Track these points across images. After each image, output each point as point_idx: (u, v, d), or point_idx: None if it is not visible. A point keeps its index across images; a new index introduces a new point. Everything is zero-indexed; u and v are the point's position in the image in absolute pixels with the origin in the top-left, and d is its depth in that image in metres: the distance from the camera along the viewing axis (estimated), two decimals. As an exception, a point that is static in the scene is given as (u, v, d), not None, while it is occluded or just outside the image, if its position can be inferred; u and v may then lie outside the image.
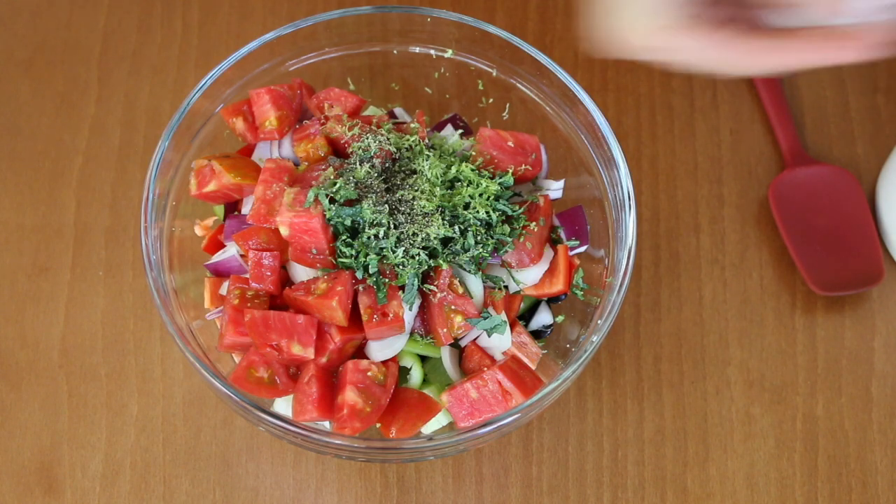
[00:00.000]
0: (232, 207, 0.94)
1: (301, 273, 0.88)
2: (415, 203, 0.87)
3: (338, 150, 0.92)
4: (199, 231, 0.95)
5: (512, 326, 0.90)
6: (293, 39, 0.94)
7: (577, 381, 0.98)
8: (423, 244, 0.86)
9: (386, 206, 0.87)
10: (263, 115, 0.92)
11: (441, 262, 0.87)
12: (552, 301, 0.94)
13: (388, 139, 0.90)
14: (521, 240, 0.89)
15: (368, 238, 0.86)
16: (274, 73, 0.96)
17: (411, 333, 0.89)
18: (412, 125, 0.93)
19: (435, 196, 0.87)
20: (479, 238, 0.88)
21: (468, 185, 0.89)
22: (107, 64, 1.10)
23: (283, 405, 0.89)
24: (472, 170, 0.89)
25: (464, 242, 0.87)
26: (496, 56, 0.96)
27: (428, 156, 0.89)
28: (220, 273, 0.92)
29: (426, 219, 0.87)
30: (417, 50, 0.98)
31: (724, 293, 1.02)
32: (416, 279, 0.86)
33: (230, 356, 0.90)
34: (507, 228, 0.89)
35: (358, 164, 0.88)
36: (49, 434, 0.96)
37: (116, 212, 1.04)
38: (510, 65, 0.95)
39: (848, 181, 1.05)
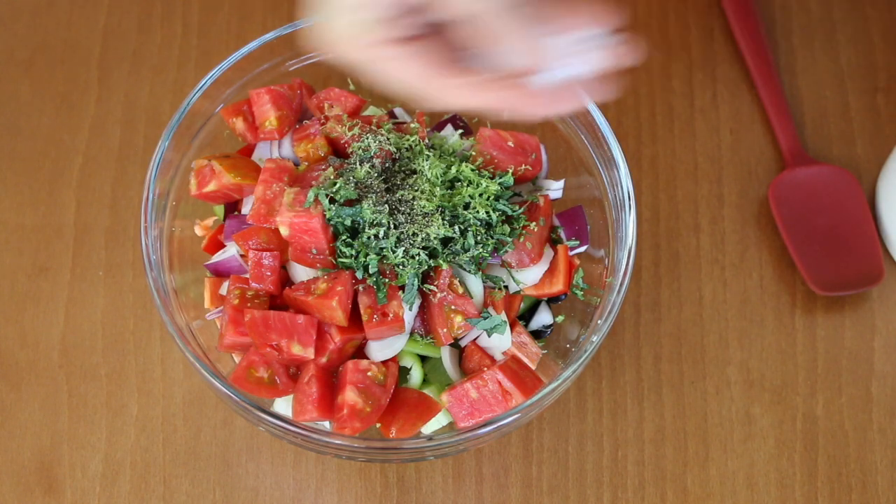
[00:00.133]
0: (232, 207, 0.94)
1: (301, 273, 0.88)
2: (415, 203, 0.87)
3: (338, 150, 0.92)
4: (199, 231, 0.95)
5: (512, 326, 0.90)
6: (293, 39, 0.94)
7: (577, 381, 0.98)
8: (423, 244, 0.86)
9: (386, 206, 0.87)
10: (263, 115, 0.92)
11: (441, 262, 0.87)
12: (552, 301, 0.94)
13: (388, 139, 0.90)
14: (521, 240, 0.89)
15: (368, 238, 0.86)
16: (274, 73, 0.96)
17: (411, 333, 0.89)
18: (412, 125, 0.93)
19: (435, 196, 0.87)
20: (479, 238, 0.88)
21: (468, 185, 0.89)
22: (107, 64, 1.10)
23: (283, 405, 0.89)
24: (472, 170, 0.89)
25: (464, 242, 0.87)
26: (496, 56, 0.96)
27: (428, 156, 0.89)
28: (220, 273, 0.92)
29: (426, 219, 0.87)
30: (417, 50, 0.97)
31: (724, 293, 1.02)
32: (416, 279, 0.86)
33: (230, 356, 0.90)
34: (507, 228, 0.89)
35: (358, 164, 0.88)
36: (49, 434, 0.96)
37: (116, 212, 1.04)
38: (510, 65, 0.95)
39: (848, 181, 1.05)
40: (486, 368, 0.87)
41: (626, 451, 0.96)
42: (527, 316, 0.93)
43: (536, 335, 0.93)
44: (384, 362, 0.87)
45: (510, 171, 0.91)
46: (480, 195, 0.88)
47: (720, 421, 0.97)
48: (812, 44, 1.13)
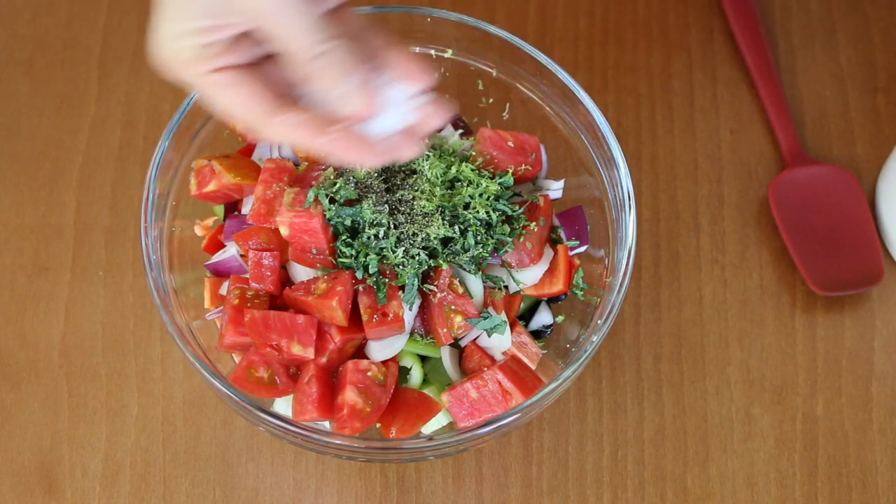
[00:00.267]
0: (232, 207, 0.94)
1: (301, 273, 0.88)
2: (415, 203, 0.87)
3: (338, 150, 0.92)
4: (199, 231, 0.95)
5: (512, 326, 0.90)
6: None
7: (577, 381, 0.98)
8: (423, 244, 0.86)
9: (386, 206, 0.87)
10: (263, 115, 0.92)
11: (441, 262, 0.87)
12: (552, 301, 0.94)
13: (388, 139, 0.90)
14: (521, 240, 0.89)
15: (368, 238, 0.86)
16: (274, 73, 0.96)
17: (411, 333, 0.89)
18: (412, 125, 0.93)
19: (435, 196, 0.87)
20: (479, 238, 0.88)
21: (468, 185, 0.89)
22: (107, 64, 1.10)
23: (283, 405, 0.89)
24: (472, 170, 0.89)
25: (464, 242, 0.87)
26: (496, 56, 0.96)
27: (428, 156, 0.89)
28: (220, 273, 0.92)
29: (426, 219, 0.87)
30: (417, 50, 0.97)
31: (724, 293, 1.02)
32: (416, 279, 0.86)
33: (230, 356, 0.90)
34: (507, 228, 0.89)
35: (358, 164, 0.88)
36: (49, 434, 0.96)
37: (116, 212, 1.04)
38: (510, 65, 0.95)
39: (848, 181, 1.05)
40: (486, 368, 0.87)
41: (626, 451, 0.96)
42: (527, 316, 0.93)
43: (536, 335, 0.93)
44: (384, 362, 0.87)
45: (510, 171, 0.92)
46: (480, 195, 0.89)
47: (720, 421, 0.97)
48: (812, 44, 1.13)
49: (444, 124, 0.72)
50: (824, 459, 0.96)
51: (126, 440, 0.96)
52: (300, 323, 0.84)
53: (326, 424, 0.87)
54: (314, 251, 0.86)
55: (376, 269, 0.86)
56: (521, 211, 0.90)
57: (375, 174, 0.88)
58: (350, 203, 0.86)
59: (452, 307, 0.87)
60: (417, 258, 0.86)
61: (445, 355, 0.90)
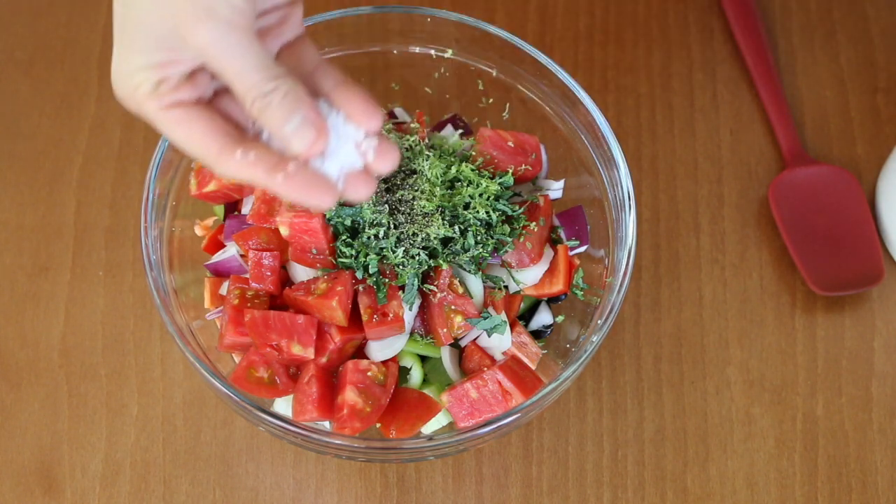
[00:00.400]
0: (232, 207, 0.94)
1: (301, 273, 0.88)
2: (415, 203, 0.87)
3: (338, 150, 0.92)
4: (199, 231, 0.95)
5: (512, 326, 0.90)
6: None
7: (577, 381, 0.98)
8: (423, 244, 0.86)
9: (386, 206, 0.87)
10: (263, 115, 0.92)
11: (441, 262, 0.87)
12: (552, 301, 0.94)
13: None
14: (521, 240, 0.89)
15: (368, 238, 0.86)
16: (274, 73, 0.96)
17: (411, 333, 0.89)
18: (412, 125, 0.93)
19: (435, 196, 0.87)
20: (479, 238, 0.88)
21: (468, 185, 0.89)
22: (107, 64, 1.09)
23: (283, 405, 0.89)
24: (472, 170, 0.89)
25: (464, 242, 0.87)
26: (496, 56, 0.96)
27: (428, 156, 0.89)
28: (220, 273, 0.92)
29: (426, 219, 0.87)
30: (417, 50, 0.98)
31: (724, 293, 1.02)
32: (416, 279, 0.86)
33: (230, 356, 0.90)
34: (507, 228, 0.89)
35: (358, 164, 0.88)
36: (49, 434, 0.96)
37: (116, 212, 1.04)
38: (510, 65, 0.95)
39: (848, 181, 1.05)
40: (486, 368, 0.87)
41: (626, 451, 0.96)
42: (527, 316, 0.93)
43: (536, 335, 0.93)
44: (384, 362, 0.87)
45: (510, 171, 0.92)
46: (480, 195, 0.89)
47: (720, 421, 0.97)
48: (812, 44, 1.13)
49: (393, 169, 0.71)
50: (824, 459, 0.96)
51: (126, 440, 0.96)
52: (300, 323, 0.84)
53: (326, 424, 0.87)
54: (314, 251, 0.86)
55: (376, 269, 0.86)
56: (521, 211, 0.90)
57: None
58: (350, 203, 0.86)
59: (452, 307, 0.87)
60: (417, 258, 0.86)
61: (445, 355, 0.90)
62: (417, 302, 0.87)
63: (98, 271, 1.01)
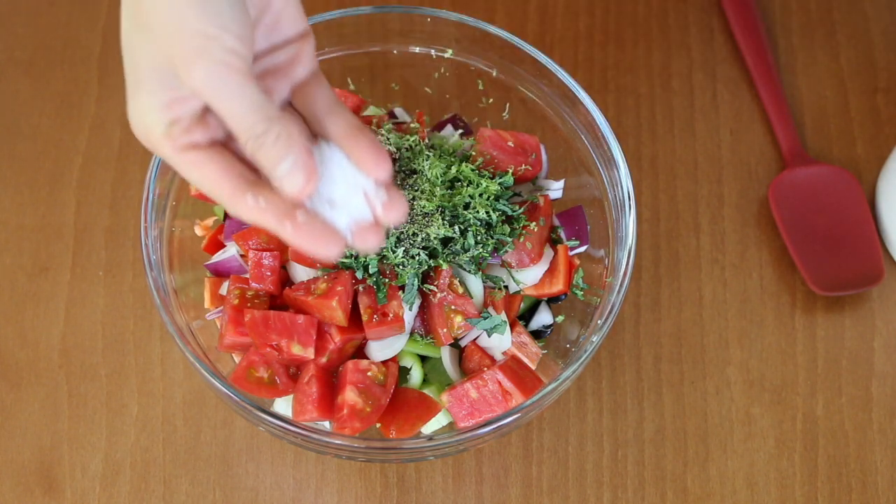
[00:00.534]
0: (232, 207, 0.94)
1: (301, 273, 0.88)
2: (415, 203, 0.87)
3: (338, 150, 0.92)
4: (199, 231, 0.95)
5: (512, 326, 0.90)
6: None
7: (577, 381, 0.98)
8: (424, 244, 0.86)
9: (386, 206, 0.87)
10: (263, 115, 0.92)
11: (441, 262, 0.87)
12: (552, 301, 0.94)
13: (388, 139, 0.90)
14: (521, 240, 0.89)
15: (368, 238, 0.86)
16: (274, 73, 0.96)
17: (411, 333, 0.89)
18: (412, 125, 0.93)
19: (435, 196, 0.87)
20: (479, 238, 0.88)
21: (468, 185, 0.89)
22: (107, 64, 1.10)
23: (283, 405, 0.89)
24: (473, 170, 0.89)
25: (464, 242, 0.87)
26: (496, 56, 0.96)
27: (428, 156, 0.89)
28: (220, 273, 0.92)
29: (426, 219, 0.87)
30: (417, 50, 0.98)
31: (724, 293, 1.02)
32: (416, 279, 0.86)
33: (230, 356, 0.90)
34: (507, 228, 0.89)
35: (358, 164, 0.88)
36: (49, 434, 0.96)
37: (116, 212, 1.04)
38: (510, 65, 0.95)
39: (848, 181, 1.05)
40: (486, 368, 0.87)
41: (626, 451, 0.96)
42: (527, 316, 0.93)
43: (536, 335, 0.93)
44: (384, 362, 0.87)
45: (510, 171, 0.92)
46: (480, 195, 0.89)
47: (720, 421, 0.97)
48: (812, 43, 1.13)
49: (401, 221, 0.70)
50: (824, 459, 0.96)
51: (126, 440, 0.96)
52: (300, 323, 0.84)
53: (326, 424, 0.87)
54: (314, 251, 0.86)
55: (376, 269, 0.86)
56: (521, 211, 0.90)
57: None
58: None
59: (452, 307, 0.87)
60: (417, 258, 0.86)
61: (445, 355, 0.90)
62: (417, 302, 0.87)
63: (98, 271, 1.01)
